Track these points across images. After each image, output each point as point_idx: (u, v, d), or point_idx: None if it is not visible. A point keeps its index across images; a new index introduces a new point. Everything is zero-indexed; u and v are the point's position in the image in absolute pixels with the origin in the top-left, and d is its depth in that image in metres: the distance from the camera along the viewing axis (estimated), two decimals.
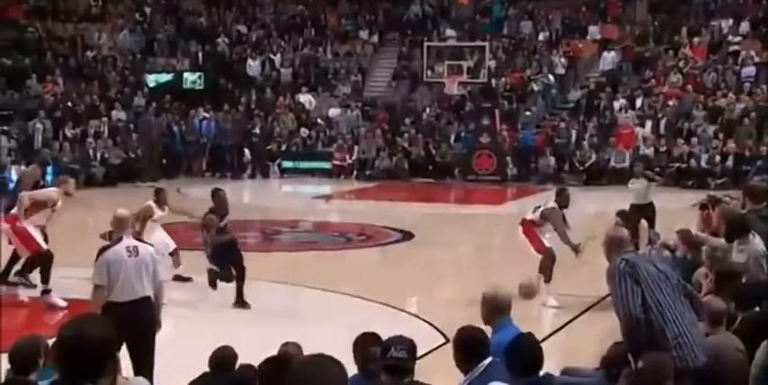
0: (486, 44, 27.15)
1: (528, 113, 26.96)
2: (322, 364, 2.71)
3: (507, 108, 26.89)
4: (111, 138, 24.52)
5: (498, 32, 30.39)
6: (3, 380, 5.24)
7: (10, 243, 11.05)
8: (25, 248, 10.89)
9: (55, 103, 25.09)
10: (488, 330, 5.32)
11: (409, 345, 4.79)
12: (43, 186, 12.46)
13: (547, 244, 10.97)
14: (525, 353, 4.89)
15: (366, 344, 5.06)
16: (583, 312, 10.38)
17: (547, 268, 10.79)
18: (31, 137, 22.14)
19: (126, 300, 6.99)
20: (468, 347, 4.88)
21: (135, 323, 6.51)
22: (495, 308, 5.43)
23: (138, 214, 10.93)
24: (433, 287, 12.58)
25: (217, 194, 11.03)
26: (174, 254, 11.77)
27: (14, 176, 21.55)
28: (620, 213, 11.06)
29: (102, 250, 7.19)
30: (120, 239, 7.20)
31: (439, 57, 26.68)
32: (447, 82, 26.18)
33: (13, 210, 11.10)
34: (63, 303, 10.40)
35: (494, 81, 27.21)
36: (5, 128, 22.04)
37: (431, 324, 9.70)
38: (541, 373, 4.94)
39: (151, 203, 11.71)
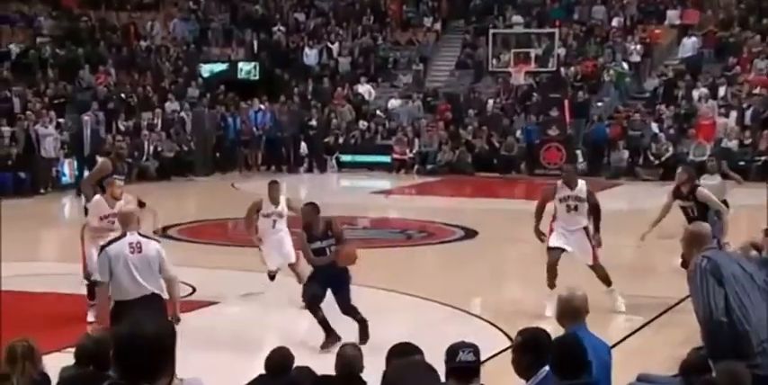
0: (556, 31, 26.90)
1: (600, 104, 26.66)
2: (415, 368, 2.70)
3: (578, 99, 26.59)
4: (165, 131, 24.79)
5: (569, 18, 30.06)
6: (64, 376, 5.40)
7: None
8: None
9: (108, 95, 25.45)
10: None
11: (476, 348, 4.90)
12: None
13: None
14: (564, 355, 4.78)
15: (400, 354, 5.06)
16: (660, 314, 10.20)
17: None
18: (82, 129, 22.48)
19: (132, 299, 7.11)
20: (530, 351, 4.79)
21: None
22: (570, 312, 5.29)
23: (249, 209, 11.04)
24: (498, 287, 12.49)
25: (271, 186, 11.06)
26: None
27: (67, 170, 21.93)
28: None
29: (104, 246, 7.33)
30: (123, 235, 7.32)
31: (505, 45, 26.53)
32: (513, 71, 26.01)
33: None
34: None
35: (563, 70, 26.97)
36: (60, 120, 22.38)
37: (495, 326, 9.63)
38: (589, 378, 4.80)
39: (264, 198, 11.13)
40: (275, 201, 10.95)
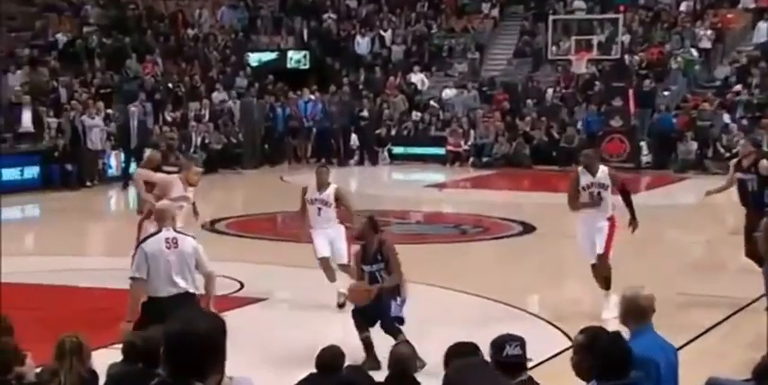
0: (620, 16, 26.51)
1: (667, 93, 26.35)
2: (478, 369, 2.69)
3: (643, 87, 26.29)
4: (212, 122, 24.99)
5: (634, 3, 29.69)
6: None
7: None
8: None
9: (155, 85, 25.71)
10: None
11: (522, 342, 5.02)
12: (167, 174, 11.58)
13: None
14: (605, 354, 4.70)
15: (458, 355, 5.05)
16: (732, 315, 10.05)
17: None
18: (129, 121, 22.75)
19: (166, 295, 7.20)
20: (591, 352, 4.72)
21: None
22: (634, 312, 5.17)
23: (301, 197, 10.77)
24: (557, 285, 12.40)
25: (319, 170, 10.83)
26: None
27: (113, 162, 22.20)
28: None
29: (141, 243, 7.45)
30: (159, 231, 7.44)
31: (566, 31, 26.24)
32: (574, 59, 25.74)
33: None
34: None
35: (627, 58, 26.63)
36: (108, 111, 22.66)
37: (554, 325, 9.57)
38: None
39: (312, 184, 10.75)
40: (321, 187, 10.49)
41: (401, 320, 8.38)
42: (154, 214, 7.86)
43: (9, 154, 20.55)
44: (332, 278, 10.24)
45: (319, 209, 10.37)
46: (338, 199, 10.44)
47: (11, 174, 20.02)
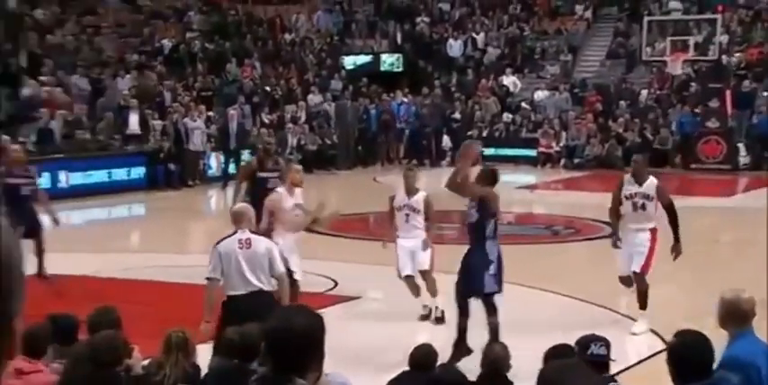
0: (718, 16, 26.00)
1: (766, 94, 25.71)
2: (574, 369, 2.71)
3: (741, 88, 25.70)
4: (308, 124, 25.25)
5: (733, 2, 29.04)
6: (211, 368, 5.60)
7: None
8: None
9: (253, 88, 26.09)
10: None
11: (607, 343, 5.05)
12: (264, 179, 11.23)
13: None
14: (683, 355, 4.61)
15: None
16: None
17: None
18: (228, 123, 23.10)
19: (241, 293, 7.32)
20: (679, 359, 4.65)
21: (251, 315, 6.66)
22: (734, 315, 4.97)
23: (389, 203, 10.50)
24: (651, 286, 12.23)
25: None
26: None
27: (214, 163, 22.57)
28: None
29: (216, 244, 7.56)
30: (234, 232, 7.54)
31: (661, 32, 25.89)
32: (669, 60, 25.38)
33: None
34: None
35: (725, 58, 26.10)
36: (209, 113, 23.06)
37: (654, 331, 9.43)
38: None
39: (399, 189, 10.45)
40: (410, 193, 9.98)
41: (495, 293, 8.48)
42: (231, 217, 7.87)
43: (117, 155, 21.05)
44: (416, 294, 9.98)
45: (407, 215, 9.92)
46: (427, 206, 9.92)
47: (119, 174, 20.53)
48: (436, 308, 9.77)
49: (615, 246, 9.97)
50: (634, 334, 9.17)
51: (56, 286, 10.27)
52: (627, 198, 9.75)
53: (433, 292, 9.76)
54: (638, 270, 9.55)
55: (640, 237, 9.64)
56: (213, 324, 7.18)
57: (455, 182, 8.53)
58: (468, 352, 8.26)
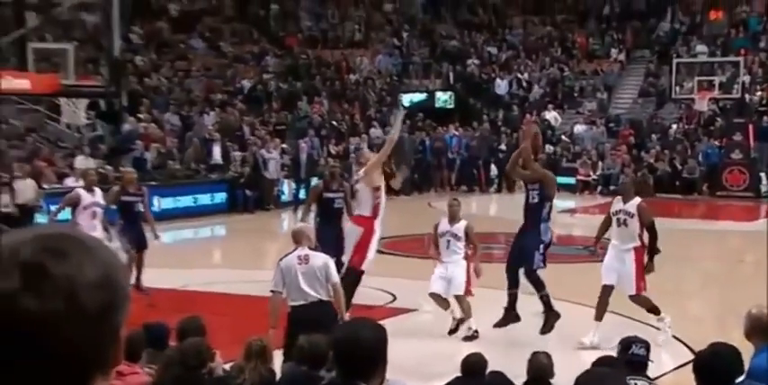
0: (741, 59, 25.71)
1: None
2: (606, 377, 2.69)
3: (763, 123, 25.30)
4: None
5: (755, 46, 28.69)
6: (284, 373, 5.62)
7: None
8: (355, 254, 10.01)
9: (321, 123, 26.26)
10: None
11: (647, 345, 5.05)
12: (330, 200, 11.29)
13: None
14: (707, 365, 4.50)
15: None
16: None
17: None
18: (299, 153, 23.27)
19: (301, 303, 7.39)
20: (708, 368, 4.53)
21: (312, 322, 6.70)
22: (759, 329, 4.88)
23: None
24: (680, 302, 12.04)
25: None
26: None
27: (286, 190, 22.72)
28: None
29: (280, 260, 7.67)
30: (294, 250, 7.62)
31: (689, 73, 25.64)
32: (697, 98, 25.08)
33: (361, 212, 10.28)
34: None
35: (748, 96, 25.75)
36: (283, 146, 23.25)
37: (679, 339, 9.29)
38: None
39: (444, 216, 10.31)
40: (453, 220, 9.92)
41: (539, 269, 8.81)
42: (291, 235, 7.94)
43: (202, 182, 21.28)
44: (443, 306, 9.83)
45: (448, 241, 9.80)
46: (467, 235, 9.82)
47: (203, 199, 20.76)
48: (469, 328, 9.59)
49: (593, 252, 10.13)
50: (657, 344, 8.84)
51: (149, 298, 10.39)
52: (613, 214, 9.67)
53: (468, 314, 9.60)
54: (633, 293, 9.36)
55: (624, 257, 9.44)
56: (278, 331, 7.21)
57: (516, 163, 8.87)
58: (517, 318, 8.87)
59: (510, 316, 9.03)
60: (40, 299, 1.13)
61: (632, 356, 4.94)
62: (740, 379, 4.49)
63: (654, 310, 9.41)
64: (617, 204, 9.69)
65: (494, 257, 12.75)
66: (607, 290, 9.43)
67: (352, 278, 9.54)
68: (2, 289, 1.13)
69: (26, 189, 15.04)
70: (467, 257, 9.80)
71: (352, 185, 10.91)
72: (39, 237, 1.19)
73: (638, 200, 9.69)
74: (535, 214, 9.04)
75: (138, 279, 10.94)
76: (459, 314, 9.67)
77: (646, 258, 9.39)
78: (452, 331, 9.62)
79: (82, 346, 1.15)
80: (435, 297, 9.80)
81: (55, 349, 1.13)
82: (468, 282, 9.65)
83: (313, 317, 7.08)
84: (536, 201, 9.11)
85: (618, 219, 9.57)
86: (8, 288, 1.13)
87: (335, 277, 7.67)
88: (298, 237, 7.76)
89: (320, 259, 7.62)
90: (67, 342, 1.14)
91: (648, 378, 5.04)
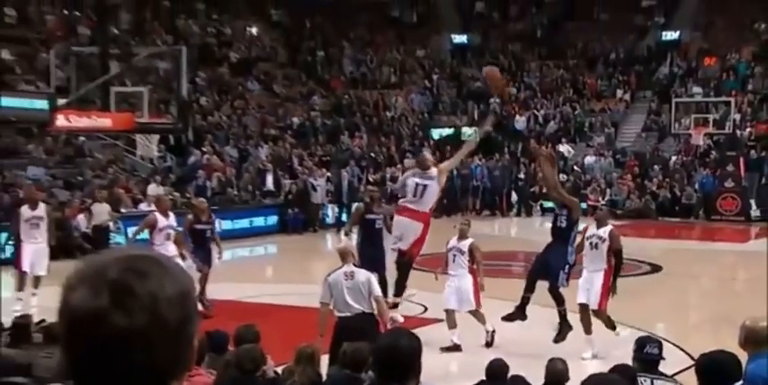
0: (732, 99, 25.55)
1: None
2: (608, 381, 2.66)
3: (752, 156, 25.05)
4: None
5: (743, 88, 28.50)
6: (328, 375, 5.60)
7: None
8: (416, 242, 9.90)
9: (361, 154, 26.35)
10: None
11: (660, 345, 5.00)
12: (372, 221, 11.20)
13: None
14: (706, 369, 4.43)
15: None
16: None
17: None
18: (341, 181, 23.38)
19: (346, 315, 7.33)
20: (711, 373, 4.50)
21: (355, 331, 6.66)
22: (753, 339, 4.86)
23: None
24: (680, 314, 11.90)
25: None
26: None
27: (330, 213, 22.77)
28: None
29: (328, 275, 7.59)
30: (341, 266, 7.56)
31: (686, 111, 25.52)
32: (693, 133, 24.90)
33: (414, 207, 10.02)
34: (401, 319, 9.56)
35: (738, 131, 25.51)
36: (328, 174, 23.36)
37: (679, 347, 9.15)
38: None
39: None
40: (461, 238, 9.75)
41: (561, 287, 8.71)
42: (338, 253, 7.88)
43: (256, 207, 21.40)
44: (451, 326, 9.58)
45: (455, 256, 9.67)
46: (472, 251, 9.59)
47: (258, 221, 20.88)
48: (487, 332, 9.48)
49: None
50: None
51: (211, 309, 10.43)
52: (586, 238, 9.44)
53: (483, 321, 9.51)
54: (595, 308, 9.08)
55: (594, 278, 9.16)
56: (325, 338, 7.18)
57: (555, 185, 8.88)
58: (524, 317, 8.87)
59: (518, 313, 8.99)
60: (128, 315, 1.12)
61: (646, 355, 4.85)
62: (738, 384, 4.43)
63: (610, 323, 9.16)
64: (591, 229, 9.39)
65: (513, 273, 12.67)
66: (583, 308, 9.22)
67: (406, 264, 9.60)
68: (94, 307, 1.13)
69: (101, 212, 15.22)
70: (472, 272, 9.65)
71: (398, 188, 10.72)
72: (122, 259, 1.18)
73: (610, 227, 9.47)
74: (563, 237, 8.96)
75: (201, 292, 10.97)
76: (489, 326, 9.47)
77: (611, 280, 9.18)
78: (489, 344, 9.43)
79: (163, 355, 1.14)
80: (449, 313, 9.60)
81: (140, 359, 1.13)
82: (477, 296, 9.52)
83: (356, 326, 7.04)
84: (564, 225, 8.99)
85: (590, 243, 9.31)
86: (100, 306, 1.13)
87: (378, 291, 7.62)
88: (344, 255, 7.73)
89: (363, 275, 7.58)
90: (151, 352, 1.13)
91: (664, 374, 4.95)
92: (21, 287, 11.38)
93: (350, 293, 7.41)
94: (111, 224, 15.51)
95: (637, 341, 4.98)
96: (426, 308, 11.26)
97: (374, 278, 7.72)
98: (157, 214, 11.26)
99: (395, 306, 9.99)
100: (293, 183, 22.34)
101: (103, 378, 1.12)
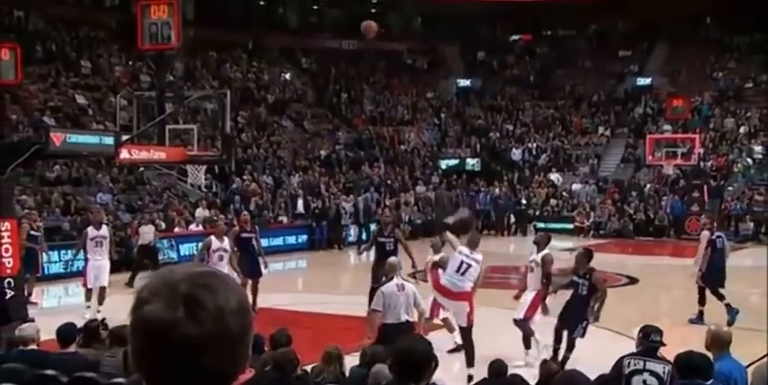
0: (696, 136, 25.50)
1: (731, 188, 24.89)
2: (574, 376, 2.67)
3: (714, 184, 24.97)
4: (416, 206, 25.33)
5: (706, 126, 28.49)
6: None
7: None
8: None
9: (379, 182, 26.40)
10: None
11: (662, 333, 4.99)
12: (383, 243, 10.99)
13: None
14: (684, 362, 4.42)
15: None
16: None
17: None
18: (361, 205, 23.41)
19: (392, 322, 7.19)
20: (687, 369, 4.47)
21: (397, 338, 6.50)
22: (717, 342, 4.89)
23: None
24: (655, 320, 11.67)
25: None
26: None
27: (352, 232, 22.75)
28: None
29: (380, 286, 7.48)
30: (392, 278, 7.46)
31: (658, 145, 25.43)
32: (664, 164, 24.80)
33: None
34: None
35: (702, 163, 25.42)
36: (349, 198, 23.38)
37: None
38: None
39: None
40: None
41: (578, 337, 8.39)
42: (387, 267, 7.65)
43: (288, 227, 21.40)
44: (450, 330, 9.22)
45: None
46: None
47: (290, 240, 20.88)
48: (456, 343, 9.13)
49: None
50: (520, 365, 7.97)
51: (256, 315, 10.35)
52: (529, 262, 9.24)
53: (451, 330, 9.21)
54: (519, 317, 8.76)
55: (529, 296, 8.90)
56: (371, 341, 7.04)
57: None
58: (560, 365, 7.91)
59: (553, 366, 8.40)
60: (199, 325, 1.11)
61: (651, 343, 4.84)
62: (709, 383, 4.42)
63: (526, 344, 8.73)
64: (532, 254, 9.11)
65: (511, 285, 12.61)
66: (516, 323, 8.94)
67: (468, 332, 8.49)
68: (170, 318, 1.11)
69: (147, 232, 15.29)
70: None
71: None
72: (191, 275, 1.15)
73: (545, 252, 9.13)
74: (583, 303, 8.53)
75: (253, 303, 10.85)
76: (457, 337, 8.99)
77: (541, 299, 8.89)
78: (455, 350, 9.04)
79: (228, 360, 1.13)
80: (445, 320, 9.37)
81: (209, 364, 1.11)
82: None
83: (399, 333, 6.67)
84: (585, 294, 8.60)
85: (529, 267, 9.10)
86: (176, 317, 1.11)
87: (422, 303, 7.50)
88: (393, 269, 7.56)
89: (411, 288, 7.43)
90: (217, 358, 1.11)
91: (663, 359, 4.91)
92: (88, 298, 11.43)
93: (401, 303, 7.26)
94: (156, 243, 15.53)
95: (642, 330, 4.99)
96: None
97: (417, 291, 7.51)
98: (213, 237, 11.14)
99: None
100: (324, 206, 22.26)
101: (176, 380, 1.11)
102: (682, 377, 4.49)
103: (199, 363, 1.11)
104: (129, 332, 1.15)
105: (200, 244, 11.56)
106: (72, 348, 5.54)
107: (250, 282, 11.31)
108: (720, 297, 10.83)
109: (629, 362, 4.89)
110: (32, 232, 12.55)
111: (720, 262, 11.02)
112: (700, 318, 10.77)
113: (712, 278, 10.92)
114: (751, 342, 9.47)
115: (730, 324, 9.58)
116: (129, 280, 13.95)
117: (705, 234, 11.45)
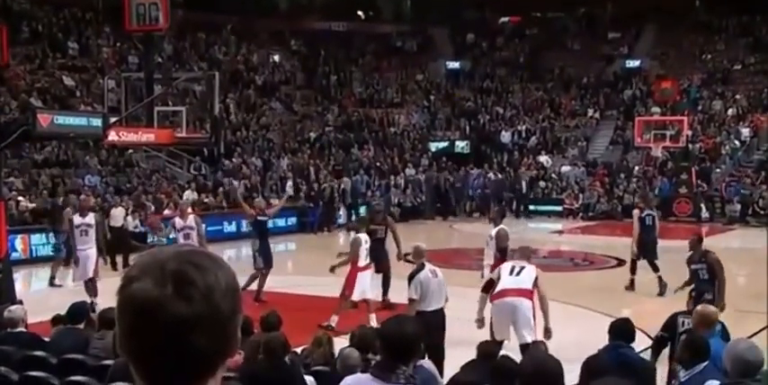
0: (685, 118, 25.54)
1: (719, 170, 24.99)
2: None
3: (702, 166, 25.07)
4: (405, 188, 25.33)
5: (694, 108, 28.55)
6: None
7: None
8: None
9: (368, 164, 26.36)
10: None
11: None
12: (374, 230, 10.91)
13: None
14: (689, 344, 4.46)
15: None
16: None
17: None
18: (351, 187, 23.38)
19: (431, 309, 7.03)
20: (694, 349, 4.52)
21: (435, 324, 6.49)
22: (705, 322, 5.00)
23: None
24: (643, 301, 11.88)
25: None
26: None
27: (342, 214, 22.73)
28: None
29: (415, 273, 7.20)
30: (423, 265, 7.24)
31: (647, 127, 25.46)
32: (653, 146, 24.85)
33: None
34: None
35: (691, 146, 25.48)
36: (345, 180, 23.30)
37: (641, 329, 9.12)
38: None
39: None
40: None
41: None
42: (413, 252, 7.51)
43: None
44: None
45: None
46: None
47: (279, 222, 20.69)
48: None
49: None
50: None
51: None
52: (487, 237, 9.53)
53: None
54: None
55: (486, 270, 9.04)
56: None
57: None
58: None
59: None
60: (189, 303, 1.08)
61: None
62: (706, 362, 4.45)
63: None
64: (488, 230, 9.41)
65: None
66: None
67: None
68: (159, 295, 1.08)
69: (117, 216, 15.19)
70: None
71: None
72: (180, 253, 1.12)
73: (500, 226, 9.36)
74: (706, 286, 8.39)
75: (258, 291, 10.93)
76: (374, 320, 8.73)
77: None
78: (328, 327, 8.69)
79: (217, 340, 1.10)
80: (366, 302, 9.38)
81: (196, 344, 1.08)
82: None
83: (434, 320, 6.78)
84: (706, 278, 8.55)
85: (486, 241, 9.40)
86: (165, 294, 1.08)
87: (446, 290, 7.35)
88: (421, 253, 7.32)
89: (440, 273, 7.27)
90: (207, 337, 1.09)
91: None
92: (89, 294, 10.69)
93: (435, 290, 7.08)
94: (127, 225, 15.38)
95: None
96: None
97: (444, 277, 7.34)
98: (177, 218, 11.19)
99: (389, 306, 9.87)
100: (312, 189, 22.27)
101: (165, 360, 1.08)
102: (611, 339, 4.86)
103: (187, 343, 1.08)
104: (117, 311, 1.12)
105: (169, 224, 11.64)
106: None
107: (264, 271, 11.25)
108: (655, 268, 11.87)
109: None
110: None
111: (647, 237, 12.20)
112: (632, 287, 12.10)
113: (645, 251, 12.07)
114: (740, 322, 9.57)
115: (660, 294, 10.73)
116: (111, 265, 13.77)
117: (635, 212, 12.65)
